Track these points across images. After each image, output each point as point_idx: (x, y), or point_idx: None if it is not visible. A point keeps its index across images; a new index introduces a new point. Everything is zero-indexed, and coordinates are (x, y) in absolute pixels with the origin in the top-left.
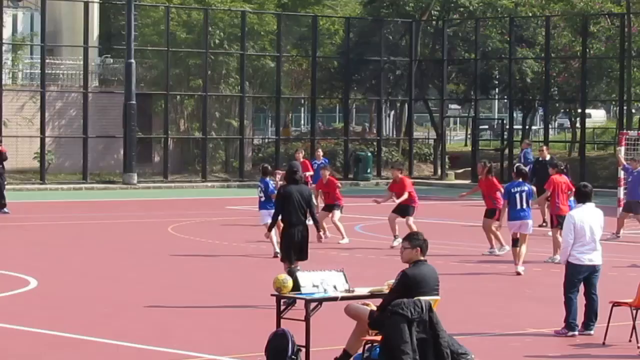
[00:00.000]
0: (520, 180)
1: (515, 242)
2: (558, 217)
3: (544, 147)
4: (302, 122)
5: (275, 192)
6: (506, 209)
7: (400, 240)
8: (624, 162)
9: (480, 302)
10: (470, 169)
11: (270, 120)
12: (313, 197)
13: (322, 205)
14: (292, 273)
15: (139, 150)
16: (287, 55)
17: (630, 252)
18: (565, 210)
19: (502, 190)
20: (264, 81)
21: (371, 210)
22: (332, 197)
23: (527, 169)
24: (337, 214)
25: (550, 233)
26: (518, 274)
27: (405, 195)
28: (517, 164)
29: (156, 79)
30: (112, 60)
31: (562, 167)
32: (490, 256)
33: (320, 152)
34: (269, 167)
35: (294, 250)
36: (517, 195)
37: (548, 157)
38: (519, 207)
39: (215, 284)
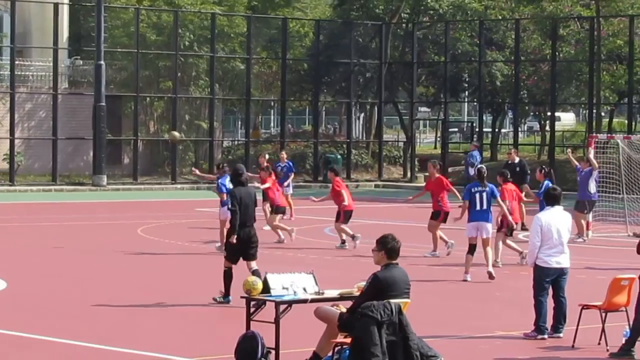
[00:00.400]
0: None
1: (472, 249)
2: (508, 225)
3: (513, 150)
4: (272, 124)
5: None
6: (466, 210)
7: (452, 245)
8: (576, 163)
9: (450, 304)
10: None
11: (240, 123)
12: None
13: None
14: (257, 273)
15: (109, 152)
16: (257, 57)
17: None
18: (515, 217)
19: (452, 191)
20: (234, 83)
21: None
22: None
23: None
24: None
25: (521, 236)
26: (490, 276)
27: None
28: (479, 166)
29: (126, 80)
30: (81, 62)
31: (508, 176)
32: (432, 258)
33: (284, 155)
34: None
35: (241, 250)
36: (477, 196)
37: (517, 160)
38: (478, 207)
39: (184, 285)
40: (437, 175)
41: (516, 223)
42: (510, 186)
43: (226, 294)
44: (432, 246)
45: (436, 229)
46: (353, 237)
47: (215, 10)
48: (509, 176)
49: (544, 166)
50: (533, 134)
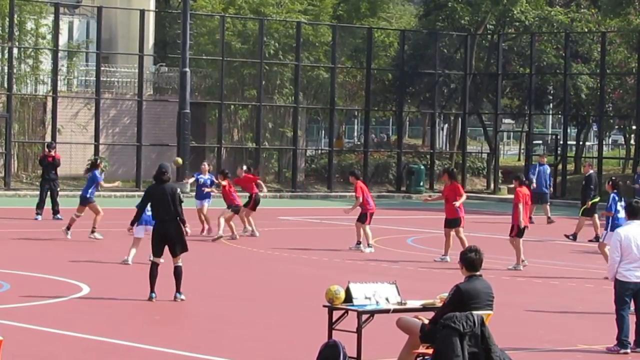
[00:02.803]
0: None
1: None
2: (518, 227)
3: (587, 162)
4: (356, 133)
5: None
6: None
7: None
8: None
9: (532, 316)
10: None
11: (323, 132)
12: (180, 195)
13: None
14: (156, 264)
15: (192, 159)
16: (342, 66)
17: None
18: (526, 221)
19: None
20: (318, 92)
21: (423, 223)
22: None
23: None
24: None
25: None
26: None
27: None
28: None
29: (210, 88)
30: (166, 69)
31: (524, 179)
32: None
33: (205, 167)
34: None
35: (168, 245)
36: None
37: (590, 172)
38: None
39: (268, 292)
40: (450, 181)
41: (526, 226)
42: (525, 190)
43: (151, 290)
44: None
45: (455, 235)
46: (359, 242)
47: (301, 19)
48: (524, 179)
49: (613, 177)
50: (617, 147)
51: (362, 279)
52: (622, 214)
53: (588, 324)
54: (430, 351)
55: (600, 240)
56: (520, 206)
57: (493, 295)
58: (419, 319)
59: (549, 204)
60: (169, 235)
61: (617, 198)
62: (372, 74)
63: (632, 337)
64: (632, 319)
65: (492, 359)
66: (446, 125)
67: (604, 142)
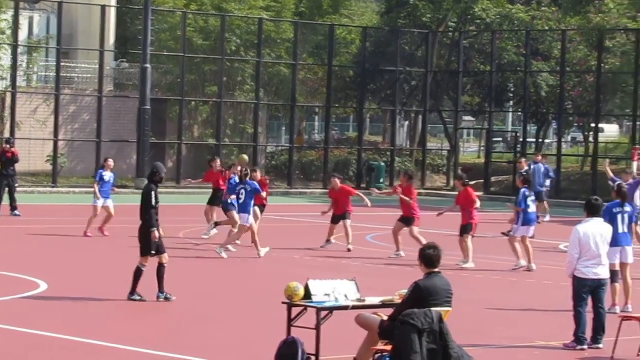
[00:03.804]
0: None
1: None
2: (468, 226)
3: (523, 159)
4: (316, 130)
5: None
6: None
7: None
8: (612, 175)
9: (491, 313)
10: (483, 180)
11: (284, 128)
12: (153, 199)
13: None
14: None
15: (152, 156)
16: (303, 63)
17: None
18: (476, 219)
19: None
20: (279, 89)
21: (382, 220)
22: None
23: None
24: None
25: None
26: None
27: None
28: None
29: (171, 84)
30: (127, 65)
31: (467, 180)
32: (516, 270)
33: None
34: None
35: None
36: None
37: (526, 168)
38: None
39: (224, 289)
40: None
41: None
42: (471, 191)
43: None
44: (463, 255)
45: (466, 241)
46: (329, 241)
47: (263, 16)
48: (467, 180)
49: (523, 173)
50: (576, 145)
51: (321, 276)
52: (532, 208)
53: (546, 320)
54: (389, 348)
55: (511, 234)
56: (478, 203)
57: (452, 292)
58: (378, 315)
59: (546, 201)
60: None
61: (527, 193)
62: (333, 71)
63: (589, 334)
64: (589, 316)
65: (450, 355)
66: (407, 123)
67: (563, 140)
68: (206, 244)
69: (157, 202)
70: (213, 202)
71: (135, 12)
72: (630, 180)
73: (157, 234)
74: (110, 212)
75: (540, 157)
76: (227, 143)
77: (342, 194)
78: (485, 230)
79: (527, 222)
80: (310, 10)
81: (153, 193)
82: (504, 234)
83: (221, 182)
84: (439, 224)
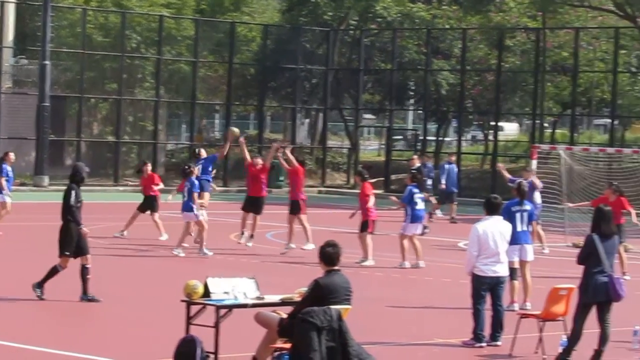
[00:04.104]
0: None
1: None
2: (365, 223)
3: (415, 156)
4: (217, 128)
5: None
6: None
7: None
8: (509, 176)
9: (390, 311)
10: (383, 178)
11: (184, 126)
12: (72, 197)
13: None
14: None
15: (51, 153)
16: (204, 60)
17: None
18: (374, 215)
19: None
20: (180, 86)
21: (282, 217)
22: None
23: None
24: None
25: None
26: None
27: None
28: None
29: (71, 81)
30: (26, 62)
31: (366, 176)
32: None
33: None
34: (192, 167)
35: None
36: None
37: (417, 165)
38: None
39: (123, 287)
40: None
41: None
42: (366, 186)
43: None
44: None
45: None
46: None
47: (163, 13)
48: (366, 175)
49: (412, 170)
50: (476, 143)
51: (220, 273)
52: (420, 205)
53: (445, 318)
54: (288, 345)
55: (401, 232)
56: (372, 200)
57: (351, 290)
58: (278, 313)
59: (456, 203)
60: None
61: (414, 190)
62: (234, 69)
63: (487, 331)
64: (488, 314)
65: (349, 353)
66: (307, 120)
67: (463, 138)
68: (123, 243)
69: (78, 201)
70: (152, 208)
71: (34, 8)
72: (531, 179)
73: (85, 230)
74: (7, 208)
75: (454, 158)
76: (126, 140)
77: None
78: (385, 228)
79: (415, 219)
80: (211, 7)
81: (73, 192)
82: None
83: (153, 187)
84: (338, 221)
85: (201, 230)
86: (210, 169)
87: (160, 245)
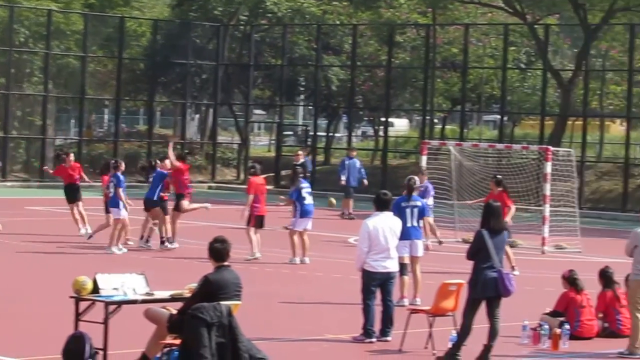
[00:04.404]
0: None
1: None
2: (256, 218)
3: (299, 152)
4: (106, 123)
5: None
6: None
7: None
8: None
9: (280, 307)
10: (273, 174)
11: (73, 121)
12: None
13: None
14: None
15: None
16: (93, 55)
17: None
18: (263, 211)
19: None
20: (69, 81)
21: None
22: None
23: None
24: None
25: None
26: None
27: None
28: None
29: None
30: None
31: (252, 170)
32: (290, 264)
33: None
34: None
35: None
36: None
37: (302, 161)
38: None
39: (12, 284)
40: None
41: (263, 215)
42: (258, 180)
43: None
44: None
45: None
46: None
47: (52, 7)
48: (253, 170)
49: (297, 164)
50: (367, 138)
51: (110, 269)
52: (308, 200)
53: (335, 313)
54: (177, 341)
55: (290, 227)
56: (252, 196)
57: (241, 286)
58: (167, 309)
59: (352, 199)
60: None
61: (301, 185)
62: (123, 64)
63: (377, 327)
64: (378, 309)
65: (239, 349)
66: (197, 116)
67: (353, 134)
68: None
69: None
70: (72, 199)
71: None
72: (425, 182)
73: None
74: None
75: (354, 153)
76: (14, 135)
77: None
78: (275, 222)
79: (304, 214)
80: (100, 2)
81: None
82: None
83: (75, 176)
84: (228, 217)
85: (122, 229)
86: (159, 187)
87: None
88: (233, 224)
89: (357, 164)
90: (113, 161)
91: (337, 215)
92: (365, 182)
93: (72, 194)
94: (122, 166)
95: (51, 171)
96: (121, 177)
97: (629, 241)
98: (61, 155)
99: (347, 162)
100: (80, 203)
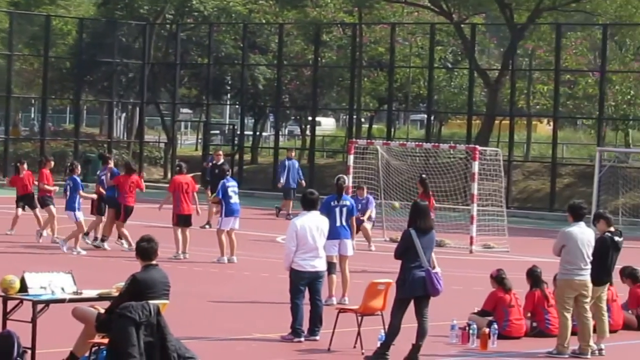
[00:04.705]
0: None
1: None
2: (178, 216)
3: (219, 152)
4: (33, 122)
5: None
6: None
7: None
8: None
9: (209, 306)
10: (200, 173)
11: None
12: None
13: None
14: None
15: None
16: (19, 54)
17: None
18: (186, 209)
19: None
20: None
21: None
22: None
23: None
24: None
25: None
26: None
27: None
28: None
29: None
30: None
31: (177, 169)
32: (218, 263)
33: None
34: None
35: None
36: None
37: (221, 162)
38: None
39: None
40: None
41: (188, 214)
42: (182, 178)
43: None
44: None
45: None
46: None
47: None
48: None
49: (207, 161)
50: (294, 137)
51: (37, 268)
52: (234, 199)
53: (263, 312)
54: (106, 341)
55: (218, 227)
56: (180, 195)
57: (169, 285)
58: (95, 308)
59: (292, 200)
60: None
61: (227, 184)
62: (49, 62)
63: (306, 326)
64: (306, 308)
65: (168, 348)
66: (124, 115)
67: (280, 133)
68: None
69: None
70: (31, 207)
71: None
72: (366, 195)
73: None
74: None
75: (293, 153)
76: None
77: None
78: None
79: (230, 213)
80: (26, 0)
81: None
82: (202, 227)
83: (28, 186)
84: (155, 216)
85: (78, 231)
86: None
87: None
88: (160, 222)
89: (296, 165)
90: (69, 164)
91: (272, 215)
92: (303, 182)
93: (29, 204)
94: (78, 169)
95: (5, 182)
96: (78, 179)
97: (557, 241)
98: (16, 165)
99: (287, 163)
100: (37, 210)
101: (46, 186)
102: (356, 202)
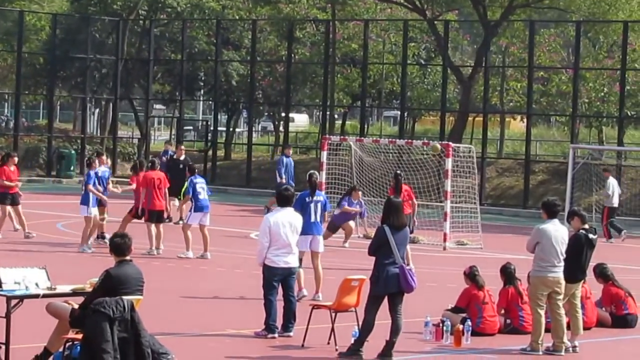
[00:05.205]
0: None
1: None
2: (150, 212)
3: (182, 147)
4: (6, 117)
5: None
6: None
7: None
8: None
9: (183, 302)
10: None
11: None
12: None
13: None
14: None
15: None
16: None
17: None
18: (158, 205)
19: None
20: None
21: (73, 208)
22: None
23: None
24: None
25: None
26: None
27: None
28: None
29: None
30: None
31: (150, 164)
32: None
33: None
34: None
35: None
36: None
37: (183, 157)
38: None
39: None
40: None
41: (160, 210)
42: (154, 174)
43: None
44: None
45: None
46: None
47: None
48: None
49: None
50: (267, 134)
51: (11, 264)
52: (203, 195)
53: (237, 309)
54: (80, 336)
55: (185, 222)
56: (152, 191)
57: (143, 281)
58: (69, 304)
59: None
60: None
61: (195, 181)
62: (23, 58)
63: (280, 322)
64: (280, 304)
65: (142, 343)
66: (97, 110)
67: (253, 129)
68: None
69: None
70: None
71: None
72: (360, 198)
73: None
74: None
75: (290, 150)
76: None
77: None
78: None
79: (199, 209)
80: None
81: None
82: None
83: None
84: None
85: (87, 227)
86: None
87: None
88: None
89: (292, 162)
90: (86, 158)
91: (245, 211)
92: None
93: (12, 201)
94: (96, 163)
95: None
96: (91, 173)
97: (531, 238)
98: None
99: (285, 160)
100: (19, 207)
101: (6, 182)
102: (349, 204)
